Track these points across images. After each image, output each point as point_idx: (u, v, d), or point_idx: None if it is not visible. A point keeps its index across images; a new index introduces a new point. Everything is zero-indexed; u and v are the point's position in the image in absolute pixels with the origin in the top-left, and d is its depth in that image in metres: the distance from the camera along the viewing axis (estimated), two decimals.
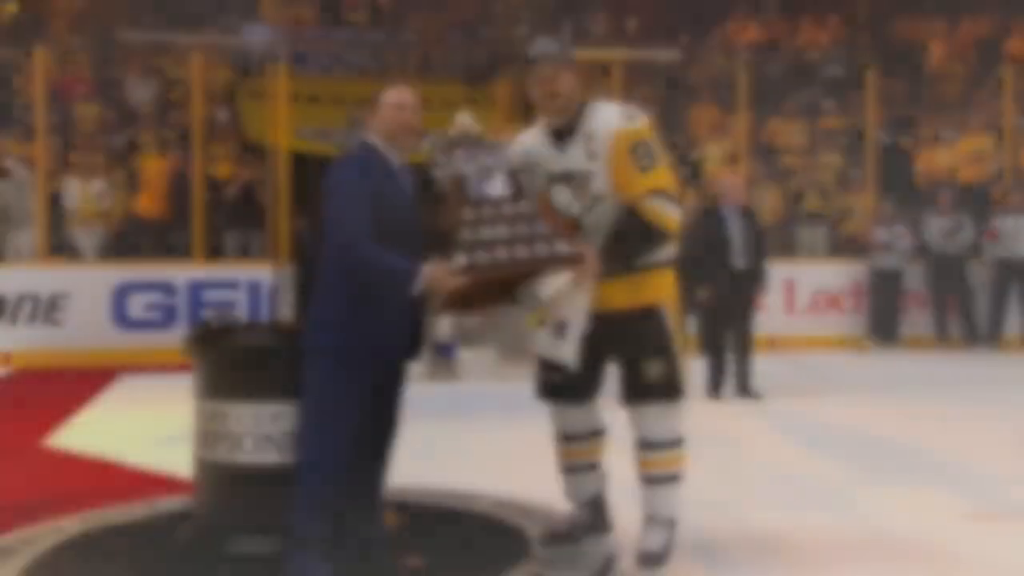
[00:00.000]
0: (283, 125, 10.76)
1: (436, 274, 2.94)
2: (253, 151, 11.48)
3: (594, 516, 3.48)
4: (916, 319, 10.87)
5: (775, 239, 11.18)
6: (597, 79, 13.45)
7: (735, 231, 7.23)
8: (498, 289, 3.16)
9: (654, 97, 13.59)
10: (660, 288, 3.30)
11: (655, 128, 3.28)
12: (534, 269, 3.06)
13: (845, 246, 11.42)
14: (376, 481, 3.29)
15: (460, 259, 2.97)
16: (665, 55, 14.61)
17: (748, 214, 7.53)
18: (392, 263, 2.96)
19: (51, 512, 4.01)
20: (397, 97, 3.17)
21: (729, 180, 7.91)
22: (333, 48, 15.12)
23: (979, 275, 10.52)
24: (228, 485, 3.32)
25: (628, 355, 3.27)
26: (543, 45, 3.28)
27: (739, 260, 7.19)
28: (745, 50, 14.67)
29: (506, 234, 3.04)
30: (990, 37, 14.52)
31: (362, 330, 3.02)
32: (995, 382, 8.60)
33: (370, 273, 2.99)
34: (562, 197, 3.26)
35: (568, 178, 3.25)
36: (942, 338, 10.58)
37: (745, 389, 7.25)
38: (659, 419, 3.25)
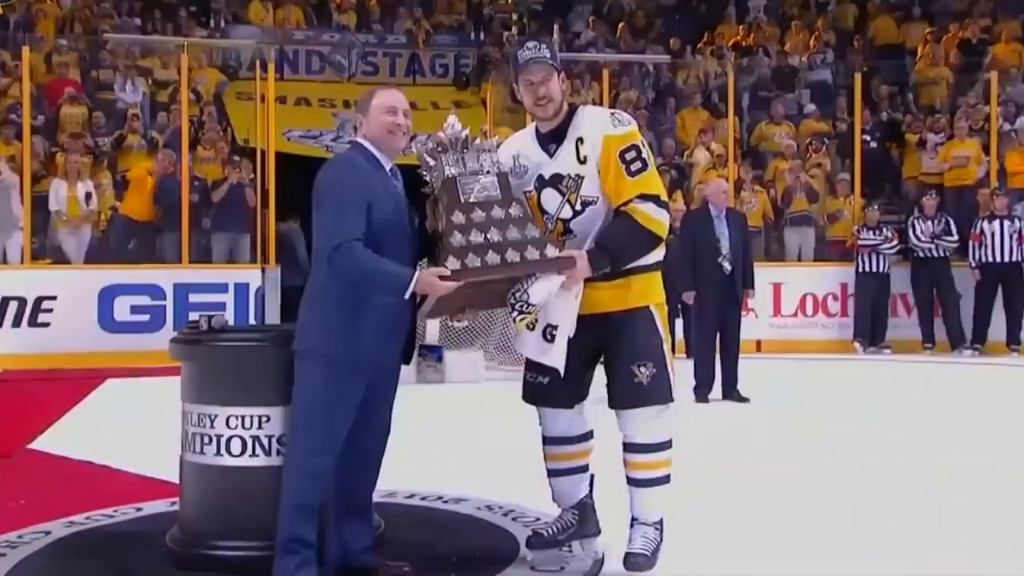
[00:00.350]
0: (271, 127, 10.75)
1: (427, 279, 2.94)
2: (241, 153, 11.47)
3: (582, 519, 3.48)
4: (902, 322, 10.95)
5: (762, 242, 11.25)
6: (587, 82, 13.50)
7: (723, 234, 7.25)
8: (488, 292, 3.16)
9: (643, 101, 13.64)
10: (649, 291, 3.31)
11: (644, 131, 3.30)
12: (524, 273, 3.06)
13: (832, 249, 11.48)
14: (365, 485, 3.29)
15: (451, 263, 2.97)
16: (654, 59, 14.66)
17: (736, 217, 7.56)
18: (384, 268, 2.96)
19: (37, 516, 3.99)
20: (387, 99, 3.15)
21: (717, 183, 7.94)
22: (321, 50, 15.12)
23: (964, 279, 10.58)
24: (215, 488, 3.31)
25: (617, 358, 3.27)
26: (532, 49, 3.28)
27: (727, 263, 7.21)
28: (733, 54, 14.73)
29: (496, 238, 3.03)
30: (975, 42, 14.62)
31: (353, 334, 3.01)
32: (980, 385, 8.66)
33: (362, 277, 2.98)
34: (551, 201, 3.27)
35: (557, 182, 3.26)
36: (928, 341, 10.64)
37: (732, 392, 7.26)
38: (647, 422, 3.25)
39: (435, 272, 2.96)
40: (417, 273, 2.96)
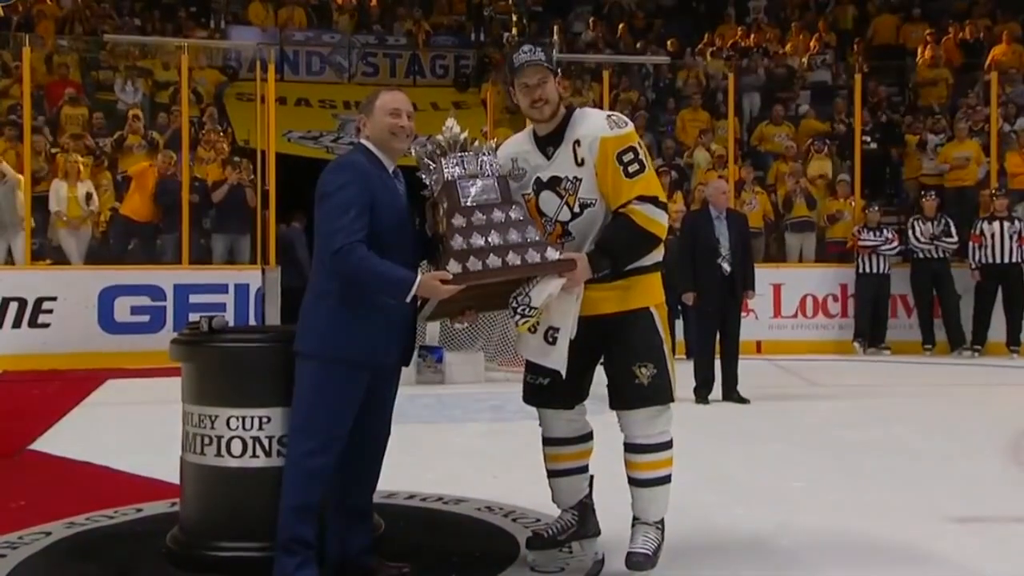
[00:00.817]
0: (271, 128, 10.76)
1: (429, 282, 2.94)
2: (241, 153, 11.47)
3: (582, 519, 3.48)
4: (902, 323, 10.94)
5: (763, 243, 11.25)
6: (587, 83, 13.51)
7: (723, 235, 7.25)
8: (489, 295, 3.16)
9: (643, 101, 13.64)
10: (649, 292, 3.31)
11: (643, 133, 3.30)
12: (525, 275, 3.06)
13: (832, 250, 11.48)
14: (365, 486, 3.29)
15: (452, 267, 2.97)
16: (654, 60, 14.66)
17: (736, 218, 7.56)
18: (386, 271, 2.96)
19: (38, 517, 3.99)
20: (391, 101, 3.15)
21: (717, 184, 7.93)
22: (322, 51, 15.13)
23: (964, 280, 10.58)
24: (216, 489, 3.31)
25: (618, 359, 3.28)
26: (527, 52, 3.28)
27: (727, 264, 7.21)
28: (734, 55, 14.74)
29: (497, 241, 3.03)
30: (975, 42, 14.63)
31: (354, 335, 3.01)
32: (979, 386, 8.66)
33: (364, 280, 2.99)
34: (550, 203, 3.27)
35: (555, 184, 3.26)
36: (927, 342, 10.64)
37: (732, 393, 7.26)
38: (648, 422, 3.26)
39: (437, 276, 2.96)
40: (419, 277, 2.96)
